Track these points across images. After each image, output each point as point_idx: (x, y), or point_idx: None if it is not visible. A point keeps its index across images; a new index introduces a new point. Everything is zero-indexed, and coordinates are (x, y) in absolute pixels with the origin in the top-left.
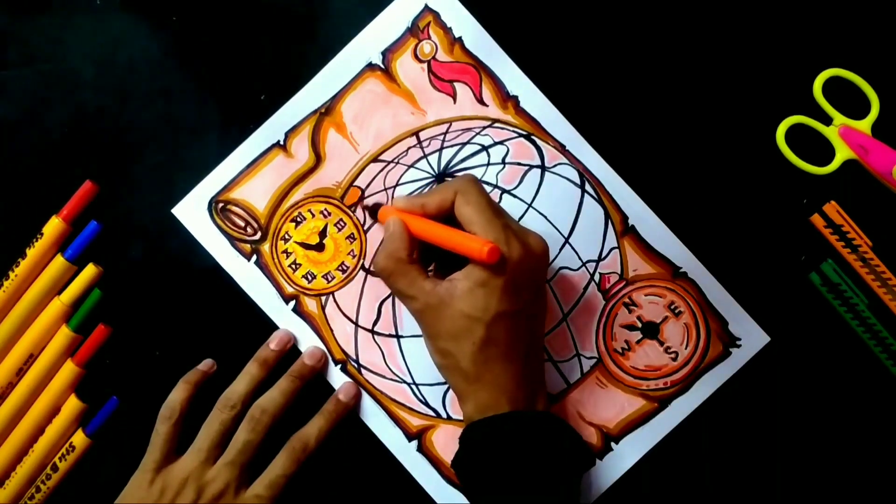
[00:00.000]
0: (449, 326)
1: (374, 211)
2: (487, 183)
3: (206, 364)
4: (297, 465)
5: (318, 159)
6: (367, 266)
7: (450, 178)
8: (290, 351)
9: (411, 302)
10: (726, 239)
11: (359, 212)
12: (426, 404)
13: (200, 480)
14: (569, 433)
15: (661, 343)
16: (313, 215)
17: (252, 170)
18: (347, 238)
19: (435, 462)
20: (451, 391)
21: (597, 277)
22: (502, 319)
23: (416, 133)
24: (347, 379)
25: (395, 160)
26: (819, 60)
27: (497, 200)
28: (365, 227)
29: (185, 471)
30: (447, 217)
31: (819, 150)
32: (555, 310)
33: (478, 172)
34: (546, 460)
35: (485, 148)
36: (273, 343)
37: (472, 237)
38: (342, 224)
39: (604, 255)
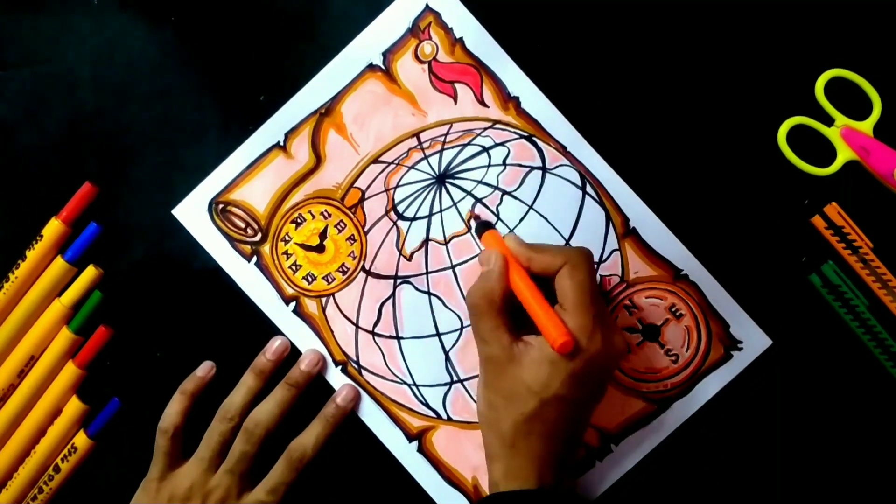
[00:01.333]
0: (506, 385)
1: (481, 227)
2: (487, 184)
3: (203, 369)
4: (295, 473)
5: (319, 160)
6: (367, 267)
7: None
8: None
9: (484, 346)
10: (727, 241)
11: (465, 211)
12: (427, 405)
13: (204, 488)
14: None
15: (662, 345)
16: (314, 216)
17: (252, 171)
18: (348, 239)
19: (435, 463)
20: (451, 392)
21: (597, 279)
22: (558, 403)
23: (416, 134)
24: (347, 381)
25: (396, 161)
26: (821, 61)
27: (498, 202)
28: (365, 229)
29: (188, 478)
30: (545, 280)
31: (820, 151)
32: None
33: (478, 174)
34: None
35: (486, 149)
36: (269, 353)
37: (555, 321)
38: (342, 225)
39: (605, 256)
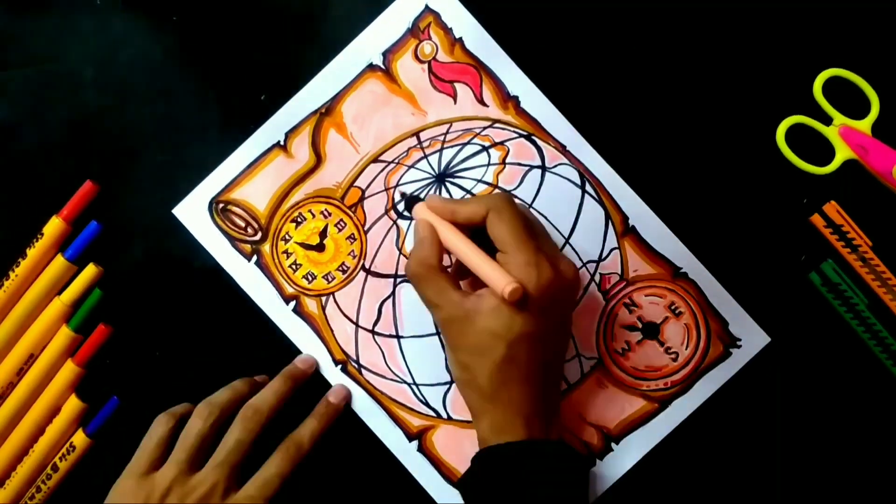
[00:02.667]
0: (471, 341)
1: (410, 202)
2: (487, 183)
3: (184, 406)
4: (291, 465)
5: (319, 160)
6: (367, 266)
7: (480, 194)
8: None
9: (437, 311)
10: (726, 239)
11: (396, 195)
12: (427, 404)
13: (185, 487)
14: (580, 463)
15: (662, 343)
16: (314, 216)
17: (252, 170)
18: (348, 238)
19: (435, 462)
20: (451, 391)
21: (597, 278)
22: (525, 340)
23: (416, 133)
24: (344, 379)
25: (396, 160)
26: (819, 60)
27: None
28: (365, 228)
29: (166, 480)
30: (477, 230)
31: (819, 150)
32: None
33: (478, 173)
34: (558, 492)
35: (485, 148)
36: (258, 377)
37: (497, 270)
38: (342, 224)
39: (604, 255)
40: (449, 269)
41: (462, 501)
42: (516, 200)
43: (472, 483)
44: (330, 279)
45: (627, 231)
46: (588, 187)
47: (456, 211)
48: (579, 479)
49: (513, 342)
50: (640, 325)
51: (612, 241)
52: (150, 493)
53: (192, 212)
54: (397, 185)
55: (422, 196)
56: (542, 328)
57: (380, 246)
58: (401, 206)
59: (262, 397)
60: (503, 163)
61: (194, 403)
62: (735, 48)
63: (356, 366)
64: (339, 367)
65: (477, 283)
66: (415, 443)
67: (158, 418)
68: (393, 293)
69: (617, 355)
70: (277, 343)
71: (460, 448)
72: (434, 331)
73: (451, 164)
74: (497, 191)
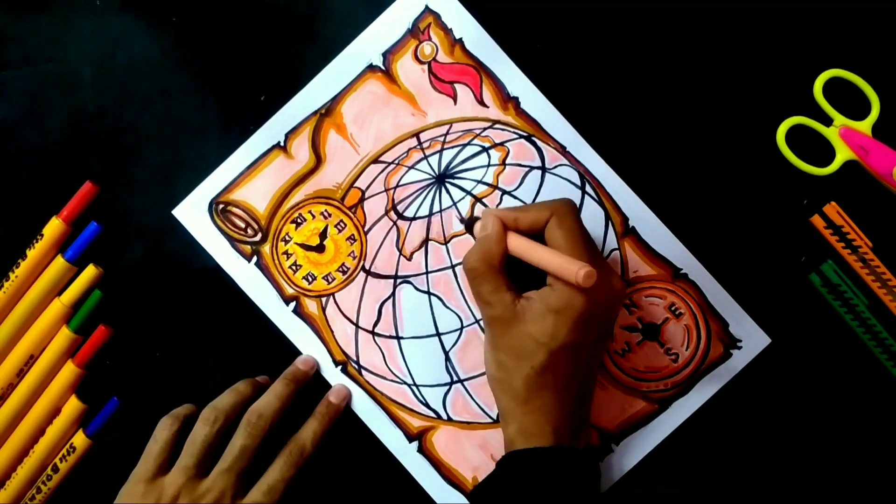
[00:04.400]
0: (514, 343)
1: (470, 224)
2: (487, 184)
3: (186, 408)
4: (295, 469)
5: (319, 160)
6: (367, 267)
7: (510, 197)
8: (289, 354)
9: (488, 308)
10: (727, 240)
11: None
12: (427, 405)
13: (193, 494)
14: (597, 473)
15: (662, 344)
16: (314, 216)
17: (252, 171)
18: (348, 239)
19: (435, 463)
20: (451, 392)
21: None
22: (566, 350)
23: (416, 134)
24: (344, 380)
25: (396, 161)
26: (819, 61)
27: (497, 201)
28: (365, 229)
29: (175, 486)
30: (535, 236)
31: (819, 150)
32: None
33: (478, 174)
34: (582, 500)
35: (485, 149)
36: (260, 378)
37: (568, 258)
38: (342, 225)
39: (604, 256)
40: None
41: (461, 501)
42: (515, 202)
43: (494, 486)
44: (330, 280)
45: (627, 232)
46: (588, 188)
47: (519, 218)
48: (594, 489)
49: (554, 350)
50: (640, 326)
51: (612, 241)
52: (159, 499)
53: (192, 212)
54: (397, 185)
55: (476, 218)
56: (584, 340)
57: (380, 247)
58: (468, 230)
59: (266, 402)
60: (503, 164)
61: (195, 404)
62: (735, 48)
63: (356, 367)
64: (340, 367)
65: (521, 286)
66: (415, 443)
67: (162, 421)
68: (393, 294)
69: (617, 356)
70: (277, 344)
71: (460, 449)
72: (434, 332)
73: (451, 165)
74: (561, 197)
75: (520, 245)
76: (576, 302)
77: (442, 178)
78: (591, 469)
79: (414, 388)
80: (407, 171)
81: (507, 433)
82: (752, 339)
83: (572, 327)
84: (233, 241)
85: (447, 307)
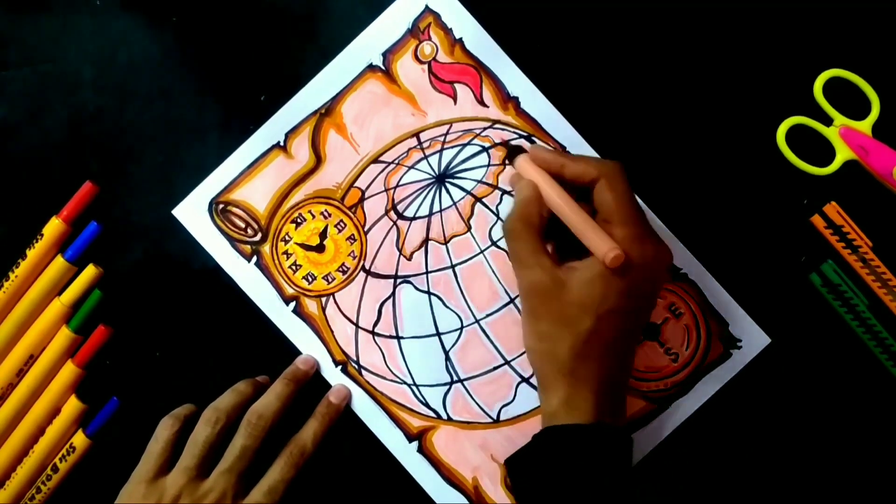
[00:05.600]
0: (556, 310)
1: (513, 152)
2: (487, 184)
3: (187, 408)
4: (295, 469)
5: (319, 160)
6: (367, 267)
7: (510, 197)
8: (289, 354)
9: (528, 272)
10: (726, 240)
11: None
12: (427, 405)
13: (195, 494)
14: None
15: (662, 344)
16: (314, 216)
17: (252, 171)
18: (348, 239)
19: (435, 463)
20: (451, 392)
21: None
22: (613, 316)
23: (416, 134)
24: (344, 380)
25: (396, 161)
26: (819, 61)
27: (497, 201)
28: (365, 229)
29: (176, 486)
30: (580, 191)
31: (819, 150)
32: None
33: (478, 173)
34: (618, 482)
35: (485, 149)
36: (260, 378)
37: (603, 235)
38: (342, 225)
39: None
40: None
41: (461, 501)
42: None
43: (529, 459)
44: (330, 280)
45: None
46: None
47: (566, 165)
48: (629, 470)
49: (601, 315)
50: None
51: None
52: (161, 499)
53: (192, 212)
54: (397, 185)
55: (524, 148)
56: (631, 305)
57: (380, 247)
58: (506, 157)
59: (266, 402)
60: (503, 164)
61: (195, 404)
62: (735, 48)
63: (356, 366)
64: (340, 367)
65: (562, 254)
66: (415, 443)
67: (163, 421)
68: (393, 294)
69: None
70: (277, 344)
71: (460, 449)
72: (434, 332)
73: (451, 165)
74: (612, 159)
75: (558, 204)
76: (624, 268)
77: (442, 178)
78: (626, 448)
79: (414, 387)
80: (407, 171)
81: (549, 404)
82: (752, 339)
83: (621, 293)
84: (233, 241)
85: (447, 307)
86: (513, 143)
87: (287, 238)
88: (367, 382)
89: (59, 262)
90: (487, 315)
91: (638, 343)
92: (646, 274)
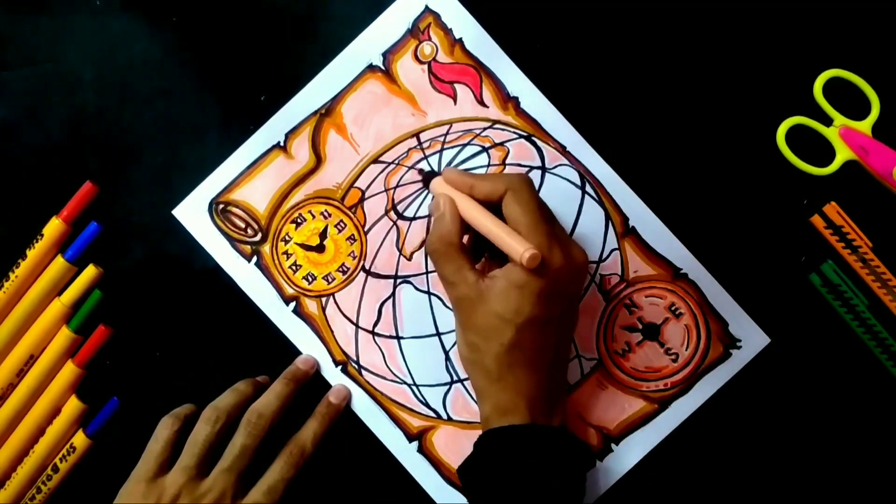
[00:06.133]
0: (481, 322)
1: (428, 178)
2: None
3: (187, 407)
4: (295, 469)
5: (319, 160)
6: (367, 267)
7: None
8: (289, 355)
9: (453, 289)
10: (726, 240)
11: (411, 173)
12: (427, 405)
13: (194, 494)
14: (583, 452)
15: (662, 344)
16: (314, 216)
17: (252, 171)
18: (348, 239)
19: (435, 463)
20: (451, 392)
21: (597, 279)
22: (532, 325)
23: (416, 134)
24: (344, 380)
25: (396, 161)
26: (819, 61)
27: None
28: (365, 229)
29: (176, 486)
30: (492, 207)
31: (819, 150)
32: None
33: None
34: (558, 480)
35: (485, 149)
36: (260, 377)
37: (517, 237)
38: (342, 225)
39: (604, 256)
40: (466, 246)
41: (460, 501)
42: None
43: (473, 466)
44: (330, 280)
45: (628, 232)
46: (588, 188)
47: (474, 186)
48: (578, 467)
49: (521, 326)
50: (640, 326)
51: (612, 241)
52: (160, 498)
53: (192, 212)
54: (397, 185)
55: (437, 172)
56: (550, 313)
57: (380, 247)
58: (423, 185)
59: (266, 401)
60: (503, 164)
61: (195, 404)
62: (735, 48)
63: (356, 366)
64: (340, 367)
65: (491, 267)
66: (415, 443)
67: (163, 421)
68: (393, 294)
69: (617, 356)
70: (277, 344)
71: (460, 448)
72: (434, 332)
73: (452, 165)
74: (517, 170)
75: (473, 216)
76: (537, 277)
77: None
78: (567, 445)
79: (414, 387)
80: (407, 171)
81: (483, 412)
82: (752, 339)
83: (535, 302)
84: (233, 241)
85: (447, 307)
86: (426, 171)
87: (287, 238)
88: (367, 382)
89: (59, 262)
90: None
91: (568, 348)
92: (560, 279)
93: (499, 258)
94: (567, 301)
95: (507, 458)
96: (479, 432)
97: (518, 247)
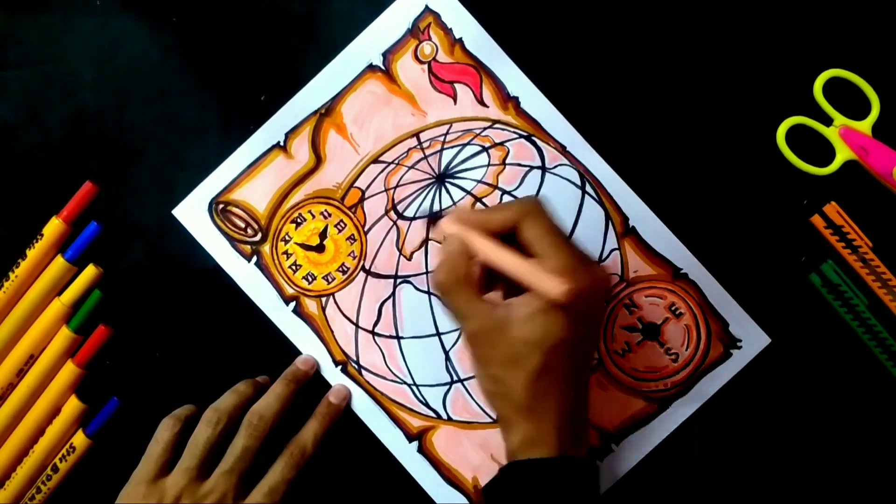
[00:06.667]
0: (503, 352)
1: (434, 219)
2: (487, 183)
3: (187, 408)
4: (296, 470)
5: (319, 160)
6: (367, 267)
7: (510, 197)
8: (289, 355)
9: (467, 322)
10: (727, 240)
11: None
12: (427, 405)
13: (195, 496)
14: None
15: (662, 344)
16: (314, 216)
17: (252, 171)
18: (348, 239)
19: (435, 463)
20: (451, 392)
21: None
22: (561, 348)
23: (416, 134)
24: (344, 380)
25: (396, 161)
26: (819, 61)
27: (497, 201)
28: (365, 229)
29: (177, 487)
30: (508, 238)
31: (819, 150)
32: None
33: (478, 173)
34: None
35: (485, 149)
36: (260, 378)
37: (545, 274)
38: (342, 225)
39: (604, 256)
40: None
41: (461, 501)
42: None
43: (499, 491)
44: (330, 280)
45: (627, 232)
46: (588, 188)
47: (488, 221)
48: (595, 500)
49: (549, 350)
50: (640, 326)
51: (612, 241)
52: (161, 500)
53: (192, 212)
54: (397, 185)
55: (442, 213)
56: (577, 334)
57: (380, 247)
58: (428, 228)
59: (267, 402)
60: (503, 163)
61: (195, 404)
62: (735, 48)
63: (356, 366)
64: (340, 367)
65: (506, 295)
66: (415, 443)
67: (164, 422)
68: (393, 294)
69: (617, 356)
70: (277, 344)
71: (460, 449)
72: (434, 332)
73: (451, 165)
74: (526, 196)
75: (494, 256)
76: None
77: (442, 178)
78: (593, 477)
79: (414, 387)
80: (407, 171)
81: (510, 442)
82: (752, 339)
83: (564, 325)
84: (233, 241)
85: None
86: (430, 212)
87: (287, 238)
88: (367, 382)
89: (59, 262)
90: None
91: (590, 373)
92: (586, 300)
93: (513, 291)
94: (592, 322)
95: (535, 491)
96: (479, 432)
97: (547, 283)
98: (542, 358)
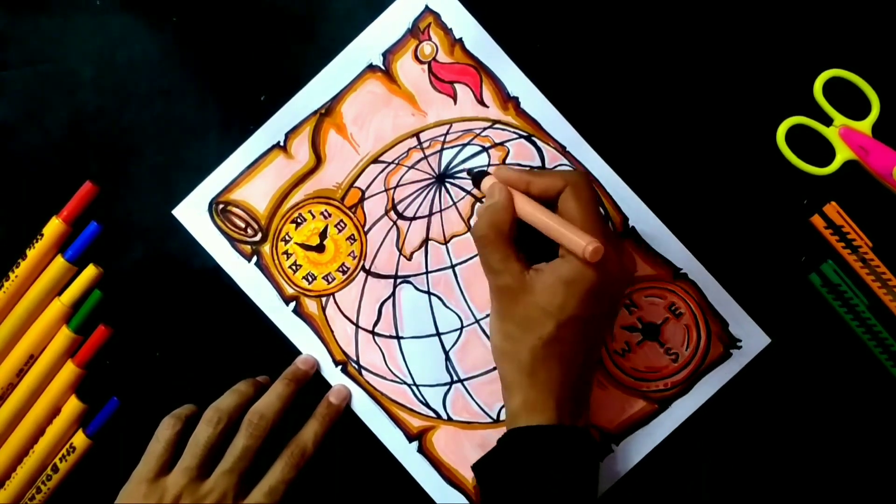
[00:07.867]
0: (521, 313)
1: (477, 178)
2: None
3: (188, 408)
4: (296, 470)
5: (319, 160)
6: (367, 267)
7: (558, 168)
8: (289, 355)
9: (496, 277)
10: (726, 240)
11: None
12: (427, 405)
13: (196, 495)
14: (596, 454)
15: (662, 344)
16: (314, 216)
17: (252, 171)
18: (348, 239)
19: (435, 463)
20: (451, 392)
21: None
22: (574, 322)
23: (416, 134)
24: (344, 380)
25: (396, 161)
26: (819, 61)
27: None
28: (365, 229)
29: (177, 486)
30: (547, 204)
31: (819, 150)
32: None
33: None
34: (578, 482)
35: (485, 149)
36: (260, 377)
37: (577, 231)
38: (342, 225)
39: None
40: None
41: (461, 501)
42: None
43: (494, 463)
44: (330, 280)
45: (627, 232)
46: None
47: (532, 182)
48: (595, 468)
49: (563, 322)
50: (640, 326)
51: None
52: (161, 499)
53: (192, 212)
54: (397, 185)
55: (487, 171)
56: (592, 313)
57: (380, 247)
58: (472, 183)
59: (267, 402)
60: (503, 163)
61: (195, 404)
62: (735, 48)
63: (356, 366)
64: (340, 367)
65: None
66: (415, 443)
67: (164, 421)
68: (393, 294)
69: (617, 356)
70: (277, 344)
71: (460, 449)
72: (434, 332)
73: (451, 165)
74: (576, 169)
75: (529, 211)
76: (587, 274)
77: (442, 178)
78: (590, 448)
79: (414, 387)
80: (407, 171)
81: (510, 406)
82: (752, 339)
83: (582, 299)
84: (233, 241)
85: (447, 307)
86: (474, 170)
87: (287, 238)
88: (367, 382)
89: (59, 262)
90: (487, 315)
91: (600, 351)
92: (609, 281)
93: (533, 259)
94: (609, 303)
95: (531, 458)
96: (479, 432)
97: (580, 240)
98: (555, 328)
